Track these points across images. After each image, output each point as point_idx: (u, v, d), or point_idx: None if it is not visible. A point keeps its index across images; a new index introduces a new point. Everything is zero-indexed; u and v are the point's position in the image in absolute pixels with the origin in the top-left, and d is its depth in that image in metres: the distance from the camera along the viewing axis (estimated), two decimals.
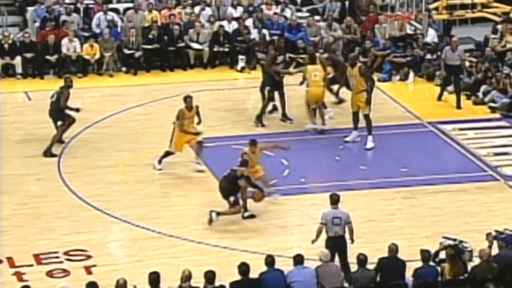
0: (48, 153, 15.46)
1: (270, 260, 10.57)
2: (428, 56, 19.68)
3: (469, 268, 10.68)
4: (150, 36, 20.00)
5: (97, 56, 19.73)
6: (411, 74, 19.56)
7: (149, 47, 19.95)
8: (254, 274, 10.48)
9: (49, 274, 11.87)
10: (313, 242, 11.31)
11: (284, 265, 10.89)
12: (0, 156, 15.53)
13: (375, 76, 19.34)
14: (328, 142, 16.08)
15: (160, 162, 14.77)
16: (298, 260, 10.62)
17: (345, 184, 14.29)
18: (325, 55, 17.04)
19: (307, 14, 21.47)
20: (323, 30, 20.88)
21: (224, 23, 20.71)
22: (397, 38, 20.25)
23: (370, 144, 15.79)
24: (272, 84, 16.63)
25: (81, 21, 20.64)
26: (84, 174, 14.83)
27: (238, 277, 10.42)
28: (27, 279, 11.73)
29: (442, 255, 10.83)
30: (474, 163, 15.37)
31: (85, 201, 13.87)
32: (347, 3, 21.52)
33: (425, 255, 10.62)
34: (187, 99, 14.67)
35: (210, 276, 10.21)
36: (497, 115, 17.43)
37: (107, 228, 13.23)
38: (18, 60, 19.57)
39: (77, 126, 16.53)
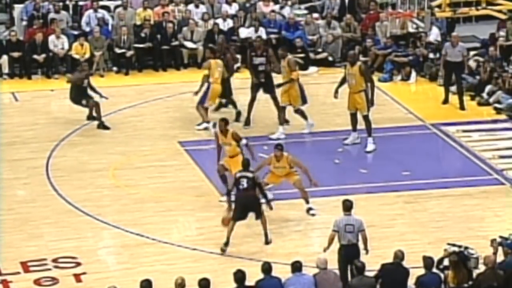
0: (101, 125, 16.30)
1: (266, 267, 10.57)
2: (431, 55, 19.71)
3: (474, 275, 10.69)
4: (142, 35, 20.01)
5: (87, 55, 19.72)
6: (413, 74, 19.58)
7: (141, 46, 19.96)
8: (250, 281, 10.48)
9: (37, 282, 11.86)
10: (325, 250, 11.26)
11: (282, 272, 10.89)
12: None
13: (376, 76, 19.41)
14: (327, 145, 16.08)
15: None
16: (296, 267, 10.62)
17: (344, 188, 14.28)
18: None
19: (305, 11, 21.49)
20: (321, 28, 20.90)
21: (219, 21, 20.71)
22: (399, 37, 20.28)
23: (370, 146, 15.80)
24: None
25: (70, 19, 20.63)
26: (73, 178, 14.82)
27: (233, 285, 10.42)
28: (14, 287, 11.71)
29: (447, 262, 10.83)
30: (479, 166, 15.38)
31: (74, 206, 13.86)
32: (346, 0, 21.54)
33: (428, 262, 10.62)
34: (221, 122, 14.01)
35: (204, 284, 10.21)
36: (502, 117, 17.45)
37: (97, 234, 13.22)
38: (4, 60, 19.55)
39: (65, 128, 16.53)
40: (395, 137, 16.54)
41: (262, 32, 20.42)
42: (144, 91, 18.83)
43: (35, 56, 19.51)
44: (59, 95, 16.89)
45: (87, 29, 20.35)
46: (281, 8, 21.24)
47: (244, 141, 13.93)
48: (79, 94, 16.50)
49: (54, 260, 12.30)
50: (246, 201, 12.47)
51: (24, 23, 20.44)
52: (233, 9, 21.21)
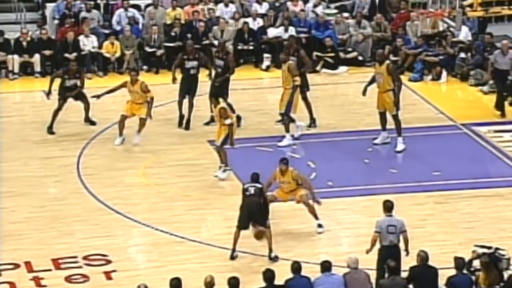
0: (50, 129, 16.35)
1: (296, 267, 10.56)
2: (462, 55, 19.57)
3: (505, 276, 10.59)
4: (173, 34, 20.07)
5: (118, 54, 19.84)
6: (444, 74, 19.46)
7: (171, 45, 20.03)
8: (279, 281, 10.47)
9: (68, 279, 11.94)
10: (367, 251, 11.20)
11: (311, 272, 10.88)
12: (18, 157, 15.65)
13: (406, 76, 19.32)
14: (357, 144, 16.03)
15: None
16: (326, 266, 10.60)
17: (374, 188, 14.24)
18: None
19: (335, 11, 21.44)
20: (352, 27, 20.84)
21: (249, 20, 20.73)
22: (430, 36, 20.16)
23: (400, 146, 15.72)
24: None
25: (101, 17, 20.77)
26: (104, 176, 14.91)
27: (263, 284, 10.42)
28: (46, 284, 11.82)
29: (476, 263, 10.75)
30: (511, 166, 15.25)
31: (105, 204, 13.94)
32: None
33: (459, 262, 10.56)
34: (131, 72, 15.82)
35: (234, 283, 10.22)
36: None
37: (127, 232, 13.28)
38: (36, 58, 19.72)
39: (97, 126, 16.62)
40: (426, 137, 16.45)
41: (292, 31, 20.41)
42: (174, 89, 18.82)
43: (67, 55, 19.65)
44: (90, 93, 16.98)
45: (118, 28, 20.47)
46: (315, 6, 21.20)
47: (228, 121, 14.33)
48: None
49: (85, 258, 12.38)
50: (250, 207, 12.22)
51: (56, 22, 20.60)
52: (263, 8, 21.22)
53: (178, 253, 12.56)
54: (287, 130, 15.85)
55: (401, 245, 11.24)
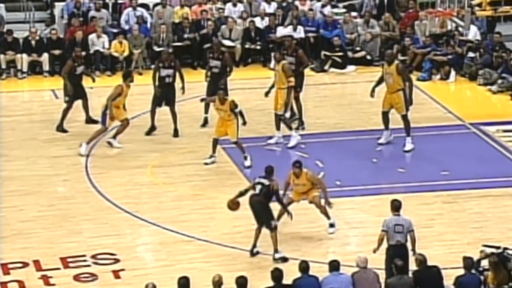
0: (60, 127, 16.26)
1: (304, 266, 10.56)
2: (471, 54, 19.54)
3: None
4: (185, 36, 20.03)
5: (126, 53, 19.87)
6: (453, 73, 19.43)
7: (180, 44, 20.04)
8: (287, 280, 10.48)
9: (77, 278, 11.97)
10: (374, 251, 11.19)
11: (319, 271, 10.87)
12: (27, 156, 15.70)
13: (415, 75, 19.29)
14: (365, 144, 16.02)
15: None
16: (334, 266, 10.60)
17: (382, 188, 14.23)
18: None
19: (343, 10, 21.43)
20: (360, 27, 20.83)
21: (256, 19, 20.73)
22: (438, 36, 20.14)
23: (409, 146, 15.70)
24: None
25: (109, 17, 20.81)
26: (112, 175, 14.94)
27: (271, 283, 10.43)
28: (54, 283, 11.85)
29: (484, 263, 10.73)
30: None
31: (113, 203, 13.97)
32: None
33: (468, 262, 10.54)
34: (219, 91, 15.06)
35: (241, 282, 10.22)
36: None
37: (135, 231, 13.31)
38: (45, 57, 19.77)
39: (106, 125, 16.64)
40: (434, 136, 16.43)
41: (300, 30, 20.41)
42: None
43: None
44: (98, 92, 17.03)
45: (126, 27, 20.51)
46: (323, 6, 21.20)
47: (239, 108, 14.50)
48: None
49: (93, 257, 12.40)
50: (252, 206, 12.29)
51: (65, 21, 20.65)
52: (271, 7, 21.23)
53: (186, 252, 12.58)
54: (290, 128, 15.85)
55: (409, 244, 11.22)
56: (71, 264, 12.24)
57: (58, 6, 20.94)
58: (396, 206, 11.36)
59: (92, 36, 19.84)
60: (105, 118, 15.58)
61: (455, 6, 19.22)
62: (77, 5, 20.63)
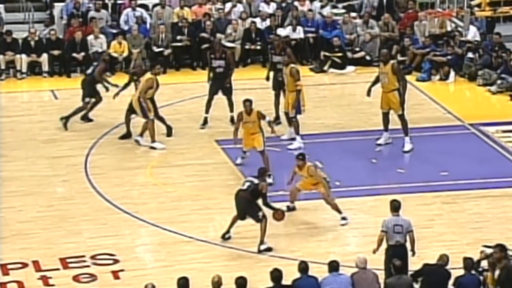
0: (65, 120, 16.37)
1: (303, 267, 10.56)
2: (470, 55, 19.54)
3: None
4: (181, 37, 20.00)
5: (125, 53, 19.87)
6: (452, 74, 19.43)
7: (179, 44, 20.04)
8: (287, 280, 10.48)
9: (76, 278, 11.96)
10: (374, 251, 11.20)
11: (318, 271, 10.87)
12: (26, 157, 15.69)
13: (414, 76, 19.30)
14: (364, 144, 16.01)
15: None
16: (333, 266, 10.60)
17: (381, 188, 14.23)
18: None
19: (343, 10, 21.43)
20: (359, 27, 20.83)
21: (257, 20, 20.73)
22: (437, 36, 20.14)
23: (408, 146, 15.70)
24: None
25: (109, 17, 20.80)
26: (111, 176, 14.93)
27: (270, 284, 10.42)
28: (53, 283, 11.85)
29: (484, 264, 10.73)
30: None
31: (112, 204, 13.96)
32: None
33: (468, 263, 10.54)
34: (246, 102, 14.51)
35: (241, 283, 10.22)
36: None
37: (135, 231, 13.30)
38: (44, 58, 19.76)
39: (104, 126, 16.65)
40: (433, 137, 16.42)
41: (300, 31, 20.41)
42: (181, 89, 18.91)
43: (75, 55, 19.69)
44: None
45: (126, 27, 20.50)
46: (322, 7, 21.19)
47: (267, 118, 14.36)
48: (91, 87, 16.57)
49: (93, 257, 12.40)
50: (239, 203, 12.46)
51: (64, 21, 20.64)
52: (270, 8, 21.22)
53: (186, 252, 12.57)
54: (297, 133, 15.85)
55: (408, 245, 11.22)
56: (70, 265, 12.23)
57: (58, 6, 20.93)
58: (395, 207, 11.36)
59: (90, 37, 19.84)
60: (145, 111, 15.59)
61: (454, 6, 19.21)
62: (76, 5, 20.61)
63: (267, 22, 20.70)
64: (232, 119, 16.51)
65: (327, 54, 20.06)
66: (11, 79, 19.67)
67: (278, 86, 16.51)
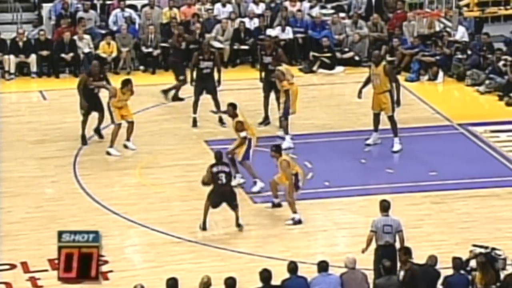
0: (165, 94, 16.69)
1: (292, 267, 10.57)
2: (458, 55, 19.60)
3: (502, 276, 10.61)
4: (170, 34, 20.01)
5: (114, 54, 19.83)
6: (441, 74, 19.49)
7: (167, 45, 20.01)
8: (276, 281, 10.48)
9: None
10: (363, 251, 11.22)
11: (308, 272, 10.88)
12: (15, 158, 15.64)
13: (403, 76, 19.34)
14: (354, 144, 16.04)
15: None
16: (323, 266, 10.61)
17: (371, 188, 14.25)
18: None
19: (331, 11, 21.46)
20: (348, 27, 20.86)
21: (246, 20, 20.73)
22: (426, 36, 20.19)
23: (397, 146, 15.74)
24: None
25: (98, 18, 20.76)
26: (100, 177, 14.91)
27: (259, 284, 10.43)
28: (42, 284, 11.81)
29: (473, 263, 10.77)
30: (507, 166, 15.27)
31: (101, 205, 13.94)
32: None
33: (457, 262, 10.58)
34: (229, 107, 14.40)
35: (230, 283, 10.22)
36: None
37: (124, 232, 13.28)
38: (32, 59, 19.71)
39: (93, 127, 16.62)
40: (422, 137, 16.47)
41: (289, 31, 20.43)
42: None
43: (63, 55, 19.64)
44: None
45: (114, 28, 20.47)
46: (311, 8, 21.21)
47: (243, 134, 14.09)
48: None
49: None
50: (223, 196, 12.94)
51: (53, 22, 20.59)
52: (259, 8, 21.23)
53: (175, 253, 12.56)
54: (286, 132, 15.87)
55: (398, 245, 11.24)
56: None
57: (46, 7, 20.88)
58: (384, 207, 11.38)
59: (75, 38, 19.78)
60: (112, 116, 15.68)
61: (443, 7, 19.23)
62: (65, 6, 20.57)
63: (256, 23, 20.70)
64: (220, 119, 16.51)
65: (316, 54, 20.08)
66: None
67: (269, 87, 16.53)
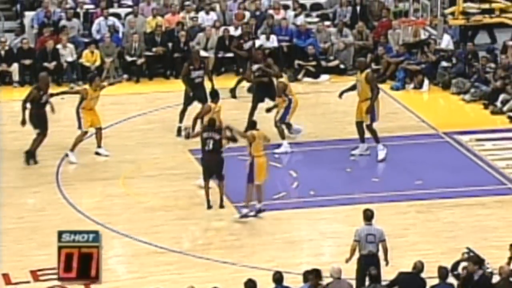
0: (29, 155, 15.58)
1: (278, 277, 10.59)
2: (444, 64, 19.71)
3: None
4: (154, 43, 20.03)
5: (98, 63, 19.81)
6: (426, 82, 19.58)
7: (151, 53, 20.02)
8: None
9: None
10: (347, 261, 11.25)
11: (293, 282, 10.89)
12: None
13: (388, 84, 19.43)
14: (339, 153, 16.08)
15: None
16: (307, 278, 10.60)
17: (356, 197, 14.29)
18: None
19: (316, 19, 21.53)
20: (333, 36, 20.93)
21: (230, 28, 20.76)
22: (411, 45, 20.29)
23: (381, 154, 15.77)
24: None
25: (81, 26, 20.74)
26: (83, 187, 14.87)
27: None
28: None
29: (462, 266, 10.81)
30: (492, 175, 15.35)
31: (84, 215, 13.91)
32: (358, 8, 21.58)
33: (443, 272, 10.62)
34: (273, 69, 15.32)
35: (250, 286, 10.21)
36: None
37: (107, 243, 13.13)
38: (15, 67, 19.65)
39: (75, 136, 16.57)
40: (408, 145, 16.53)
41: (273, 40, 20.48)
42: (154, 99, 18.89)
43: (46, 64, 19.60)
44: (69, 103, 16.94)
45: (98, 37, 20.45)
46: (296, 16, 21.27)
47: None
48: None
49: None
50: (210, 164, 13.42)
51: (35, 31, 20.54)
52: (244, 17, 21.24)
53: (159, 263, 12.54)
54: (283, 137, 15.88)
55: (381, 254, 11.28)
56: (41, 277, 12.15)
57: (28, 15, 20.83)
58: (368, 216, 11.42)
59: (58, 46, 19.76)
60: (80, 122, 15.60)
61: (428, 15, 19.33)
62: (47, 14, 20.53)
63: (241, 31, 20.72)
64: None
65: (301, 63, 20.14)
66: None
67: (258, 99, 16.54)
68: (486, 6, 18.87)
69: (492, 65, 18.99)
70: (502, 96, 18.26)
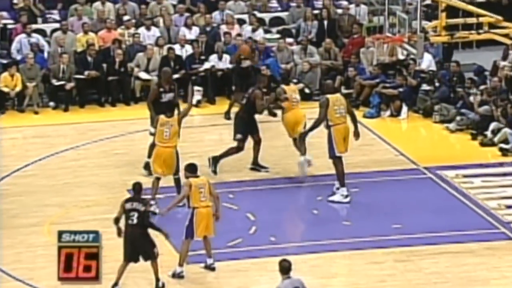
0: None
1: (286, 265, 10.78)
2: (425, 87, 19.94)
3: None
4: (86, 73, 19.99)
5: (18, 88, 19.72)
6: (404, 109, 19.79)
7: (82, 76, 20.00)
8: None
9: None
10: None
11: None
12: None
13: (361, 111, 19.59)
14: (304, 192, 16.15)
15: None
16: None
17: (324, 244, 14.33)
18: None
19: (277, 35, 21.70)
20: (296, 55, 21.11)
21: (176, 46, 20.83)
22: (387, 65, 20.51)
23: (337, 197, 15.68)
24: None
25: None
26: (1, 236, 14.73)
27: None
28: None
29: None
30: (482, 217, 15.51)
31: (1, 270, 13.75)
32: (325, 22, 21.80)
33: None
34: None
35: (285, 265, 10.55)
36: (510, 159, 17.64)
37: None
38: None
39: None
40: (384, 183, 16.67)
41: (226, 60, 20.58)
42: (86, 130, 18.84)
43: None
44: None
45: (18, 57, 20.38)
46: (253, 31, 21.41)
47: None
48: None
49: None
50: (132, 240, 13.07)
51: None
52: (192, 33, 21.34)
53: None
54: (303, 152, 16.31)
55: None
56: None
57: None
58: (285, 267, 11.35)
59: None
60: None
61: (406, 30, 19.55)
62: None
63: (189, 50, 20.81)
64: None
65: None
66: None
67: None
68: (473, 20, 19.16)
69: (476, 90, 19.16)
70: (493, 125, 18.49)
